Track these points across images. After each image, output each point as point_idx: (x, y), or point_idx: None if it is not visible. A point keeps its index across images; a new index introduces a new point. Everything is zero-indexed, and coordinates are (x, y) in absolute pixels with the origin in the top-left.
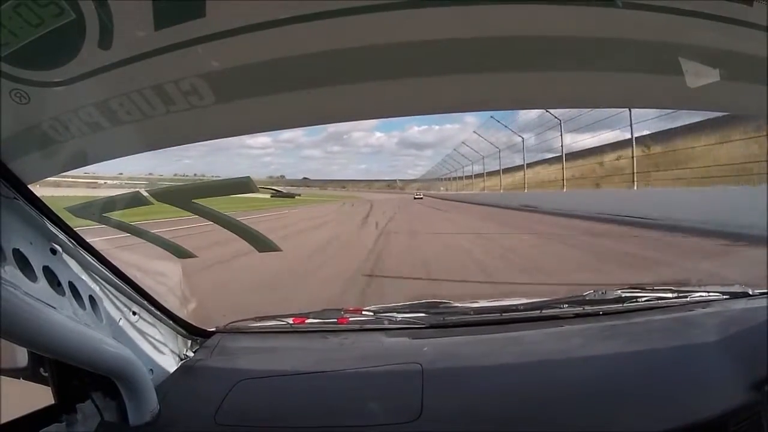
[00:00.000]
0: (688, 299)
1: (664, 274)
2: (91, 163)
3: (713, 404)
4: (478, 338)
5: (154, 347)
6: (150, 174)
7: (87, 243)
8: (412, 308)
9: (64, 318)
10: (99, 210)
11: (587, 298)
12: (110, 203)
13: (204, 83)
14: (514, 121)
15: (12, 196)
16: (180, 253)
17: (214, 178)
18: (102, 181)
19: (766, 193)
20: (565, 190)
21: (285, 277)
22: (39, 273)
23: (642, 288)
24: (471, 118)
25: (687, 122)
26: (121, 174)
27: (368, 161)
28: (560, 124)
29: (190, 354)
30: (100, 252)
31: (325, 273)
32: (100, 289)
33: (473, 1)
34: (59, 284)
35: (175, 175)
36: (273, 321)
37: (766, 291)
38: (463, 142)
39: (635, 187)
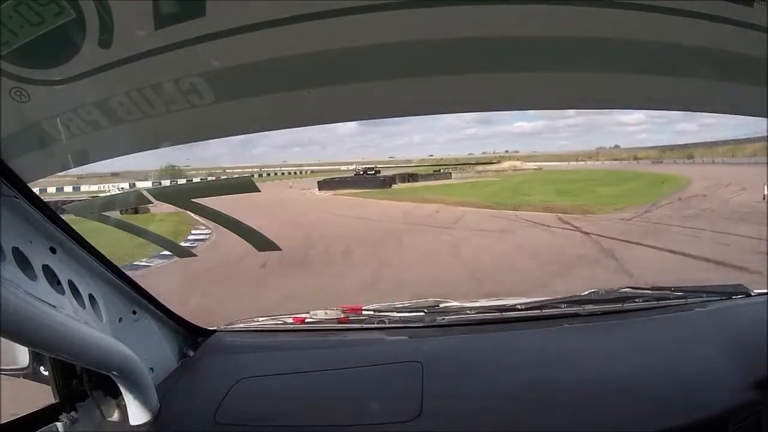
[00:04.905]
0: (687, 300)
1: None
2: (92, 162)
3: (713, 404)
4: (478, 337)
5: (155, 346)
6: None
7: (87, 242)
8: (411, 307)
9: (64, 317)
10: (99, 209)
11: (587, 298)
12: (110, 202)
13: (204, 82)
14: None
15: (12, 194)
16: (180, 252)
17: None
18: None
19: None
20: None
21: None
22: (39, 272)
23: (642, 288)
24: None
25: None
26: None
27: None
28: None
29: (191, 353)
30: (100, 251)
31: None
32: (100, 287)
33: (475, 1)
34: (59, 283)
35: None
36: (273, 320)
37: (765, 291)
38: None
39: None
